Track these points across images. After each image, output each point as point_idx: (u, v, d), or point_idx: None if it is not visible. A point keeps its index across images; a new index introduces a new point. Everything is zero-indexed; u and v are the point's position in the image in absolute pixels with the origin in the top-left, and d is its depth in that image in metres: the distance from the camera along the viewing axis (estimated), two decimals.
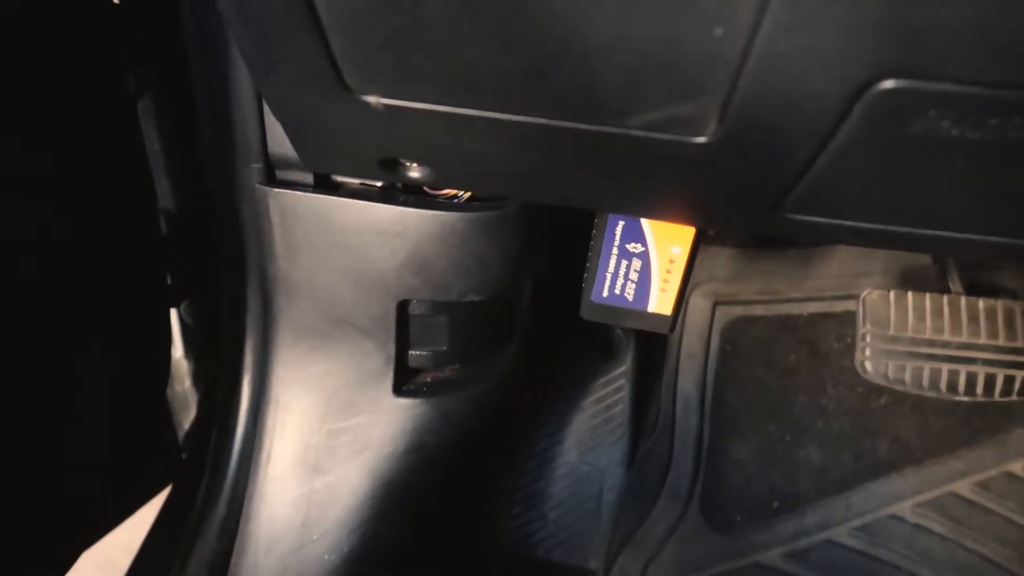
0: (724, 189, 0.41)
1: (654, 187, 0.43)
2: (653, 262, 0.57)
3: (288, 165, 0.55)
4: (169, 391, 0.78)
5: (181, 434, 0.87)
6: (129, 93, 0.63)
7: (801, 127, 0.34)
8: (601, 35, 0.30)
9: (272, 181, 0.55)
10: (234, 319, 0.63)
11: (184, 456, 0.81)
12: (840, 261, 1.01)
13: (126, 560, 0.83)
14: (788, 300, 1.01)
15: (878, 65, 0.29)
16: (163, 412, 0.80)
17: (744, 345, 1.01)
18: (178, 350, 0.87)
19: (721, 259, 1.04)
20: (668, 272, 0.57)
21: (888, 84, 0.30)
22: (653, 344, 1.04)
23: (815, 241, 0.97)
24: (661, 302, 0.59)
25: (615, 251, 0.57)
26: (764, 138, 0.35)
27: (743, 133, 0.35)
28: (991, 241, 0.41)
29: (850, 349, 0.97)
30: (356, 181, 0.56)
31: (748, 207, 0.43)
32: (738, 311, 1.02)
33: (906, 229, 0.42)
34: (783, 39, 0.29)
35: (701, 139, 0.36)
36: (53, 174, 0.55)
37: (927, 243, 0.43)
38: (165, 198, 0.69)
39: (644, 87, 0.33)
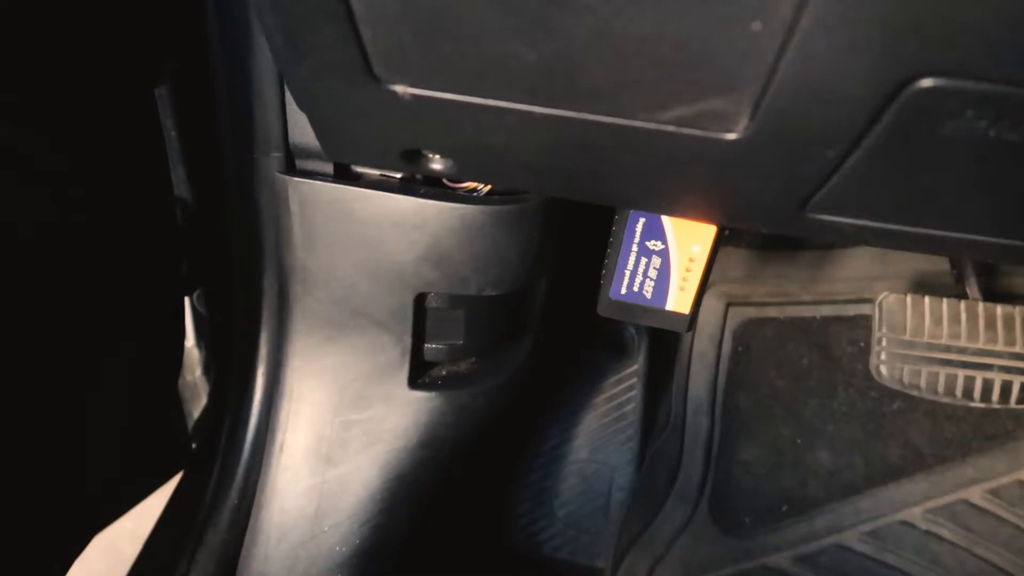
0: (751, 187, 0.41)
1: (680, 184, 0.43)
2: (673, 260, 0.56)
3: (308, 155, 0.55)
4: (179, 380, 0.78)
5: (190, 423, 0.87)
6: (147, 80, 0.62)
7: (834, 125, 0.34)
8: (637, 27, 0.30)
9: (292, 170, 0.55)
10: (249, 309, 0.63)
11: (193, 445, 0.82)
12: (854, 264, 1.00)
13: (130, 547, 0.83)
14: (801, 302, 1.01)
15: (918, 63, 0.29)
16: (174, 401, 0.80)
17: (756, 347, 1.00)
18: (189, 339, 0.87)
19: (734, 260, 1.03)
20: (687, 270, 0.57)
21: (926, 83, 0.30)
22: (665, 343, 1.03)
23: (838, 243, 0.97)
24: (679, 300, 0.58)
25: (635, 248, 0.57)
26: (795, 136, 0.35)
27: (775, 130, 0.35)
28: (1021, 246, 0.40)
29: (862, 353, 0.96)
30: (376, 172, 0.56)
31: (774, 206, 0.43)
32: (751, 312, 1.02)
33: (933, 232, 0.42)
34: (822, 34, 0.29)
35: (731, 136, 0.36)
36: (71, 161, 0.55)
37: (954, 246, 0.43)
38: (180, 186, 0.69)
39: (678, 81, 0.32)
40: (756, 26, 0.29)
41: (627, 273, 0.58)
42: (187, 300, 0.79)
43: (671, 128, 0.36)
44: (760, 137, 0.35)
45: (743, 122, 0.35)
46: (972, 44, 0.28)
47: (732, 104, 0.34)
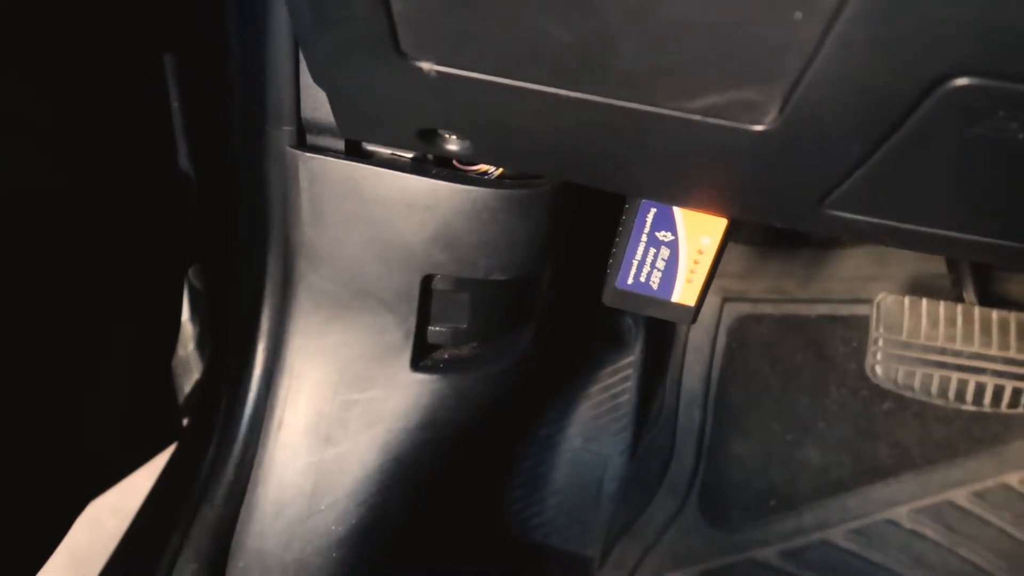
0: (772, 181, 0.41)
1: (701, 175, 0.43)
2: (682, 252, 0.56)
3: (320, 130, 0.54)
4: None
5: (181, 398, 0.86)
6: (156, 48, 0.62)
7: (864, 121, 0.34)
8: (678, 11, 0.29)
9: (303, 145, 0.55)
10: (252, 284, 0.62)
11: (184, 420, 0.81)
12: (851, 264, 1.01)
13: (112, 521, 0.82)
14: (796, 300, 1.02)
15: (956, 61, 0.29)
16: (168, 375, 0.79)
17: (750, 343, 1.01)
18: (184, 313, 0.86)
19: (732, 255, 1.04)
20: (696, 263, 0.57)
21: (961, 81, 0.30)
22: (662, 336, 1.04)
23: (852, 240, 0.97)
24: (686, 293, 0.58)
25: (644, 238, 0.56)
26: (824, 130, 0.35)
27: (803, 123, 0.35)
28: None
29: (855, 353, 0.97)
30: (387, 151, 0.55)
31: (793, 201, 0.43)
32: (746, 308, 1.02)
33: (951, 233, 0.42)
34: (863, 27, 0.28)
35: (759, 127, 0.35)
36: (71, 128, 0.54)
37: (970, 249, 0.43)
38: (182, 158, 0.68)
39: (712, 69, 0.32)
40: (798, 15, 0.28)
41: (635, 263, 0.58)
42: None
43: (697, 117, 0.36)
44: (788, 130, 0.35)
45: (772, 113, 0.34)
46: (1012, 45, 0.28)
47: (763, 95, 0.33)
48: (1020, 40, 0.27)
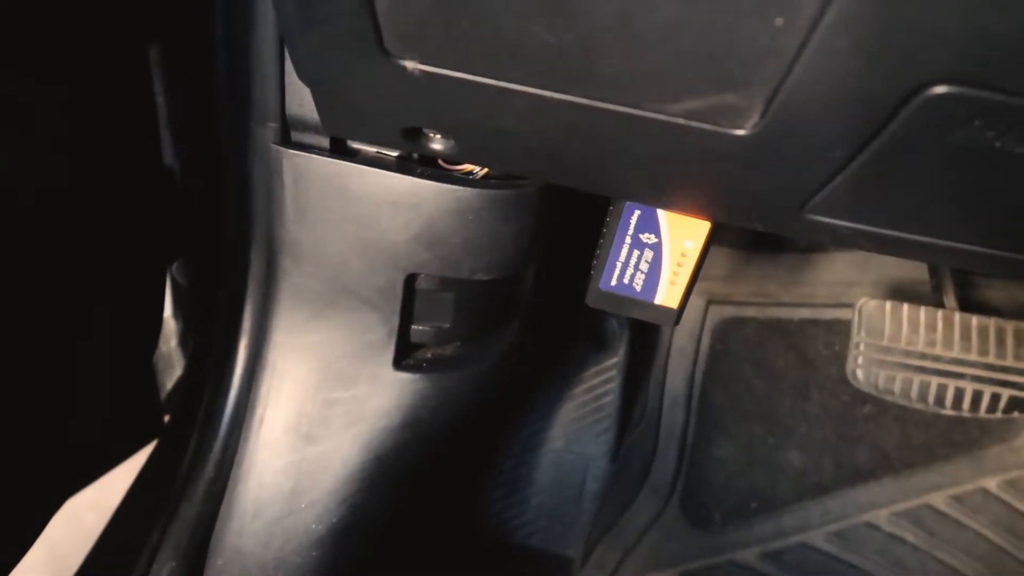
0: (754, 185, 0.41)
1: (684, 178, 0.43)
2: (665, 254, 0.57)
3: (305, 127, 0.54)
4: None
5: (163, 394, 0.86)
6: (141, 40, 0.61)
7: (843, 128, 0.34)
8: (662, 15, 0.29)
9: (287, 142, 0.54)
10: (235, 281, 0.62)
11: (165, 417, 0.80)
12: (833, 269, 1.02)
13: (92, 517, 0.81)
14: (780, 304, 1.02)
15: (935, 69, 0.29)
16: (149, 371, 0.79)
17: (734, 345, 1.01)
18: (166, 309, 0.85)
19: (717, 258, 1.04)
20: (679, 265, 0.57)
21: (940, 89, 0.30)
22: (646, 338, 1.04)
23: (832, 245, 0.98)
24: (669, 295, 0.58)
25: (628, 240, 0.57)
26: (803, 136, 0.35)
27: (783, 129, 0.35)
28: (1017, 259, 0.41)
29: (837, 357, 0.98)
30: (372, 149, 0.55)
31: (774, 205, 0.43)
32: (730, 311, 1.03)
33: (927, 239, 0.42)
34: (843, 34, 0.29)
35: (740, 132, 0.36)
36: (56, 118, 0.54)
37: (947, 256, 0.43)
38: (166, 153, 0.68)
39: (695, 73, 0.32)
40: (779, 21, 0.29)
41: (618, 265, 0.58)
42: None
43: (681, 120, 0.36)
44: (769, 134, 0.35)
45: (754, 118, 0.35)
46: (992, 54, 0.28)
47: (745, 100, 0.34)
48: (997, 50, 0.28)
